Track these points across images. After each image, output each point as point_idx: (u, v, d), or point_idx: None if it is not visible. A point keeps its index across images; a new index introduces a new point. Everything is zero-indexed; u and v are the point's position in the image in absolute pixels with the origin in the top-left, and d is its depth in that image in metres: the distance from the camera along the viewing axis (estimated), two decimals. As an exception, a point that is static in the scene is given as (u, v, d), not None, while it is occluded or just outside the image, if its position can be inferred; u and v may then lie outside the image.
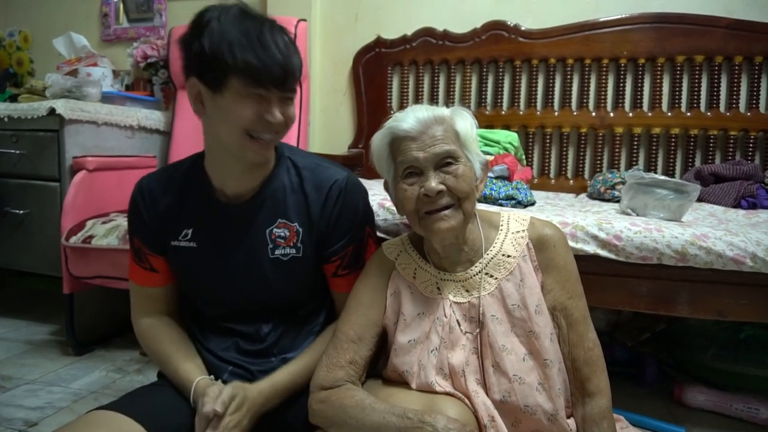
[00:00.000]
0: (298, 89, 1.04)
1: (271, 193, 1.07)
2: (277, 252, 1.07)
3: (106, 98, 2.21)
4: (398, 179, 0.96)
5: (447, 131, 0.94)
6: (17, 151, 1.98)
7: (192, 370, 1.04)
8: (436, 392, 0.92)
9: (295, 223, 1.07)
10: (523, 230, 1.01)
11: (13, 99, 2.12)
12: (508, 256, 0.99)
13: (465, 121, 0.97)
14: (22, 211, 1.99)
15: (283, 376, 1.05)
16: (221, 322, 1.11)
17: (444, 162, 0.93)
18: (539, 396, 0.91)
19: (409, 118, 0.95)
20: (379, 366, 1.05)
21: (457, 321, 0.97)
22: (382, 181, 1.07)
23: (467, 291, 0.99)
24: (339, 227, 1.08)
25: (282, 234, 1.07)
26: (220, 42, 0.90)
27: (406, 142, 0.94)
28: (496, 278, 0.98)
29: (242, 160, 1.00)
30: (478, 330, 0.96)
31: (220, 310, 1.11)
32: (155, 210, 1.09)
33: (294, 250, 1.07)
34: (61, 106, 1.88)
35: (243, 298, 1.09)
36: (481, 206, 1.38)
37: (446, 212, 0.92)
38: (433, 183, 0.91)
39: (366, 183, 1.27)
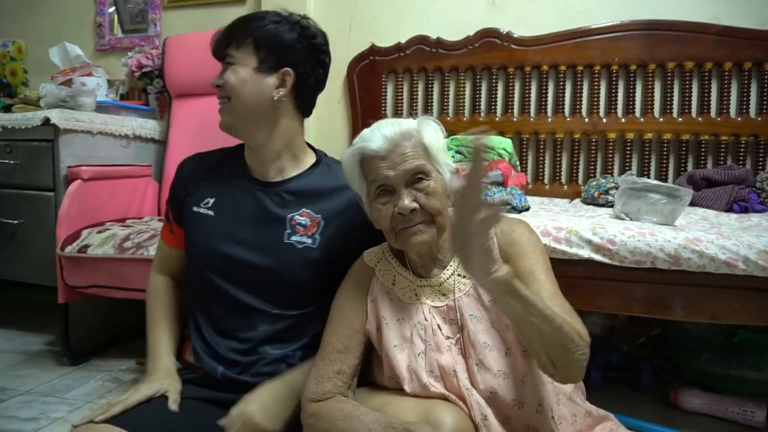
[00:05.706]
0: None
1: (302, 184, 1.14)
2: (293, 238, 1.10)
3: (101, 108, 2.21)
4: (371, 199, 0.97)
5: (415, 147, 0.94)
6: (11, 161, 1.98)
7: (162, 344, 1.14)
8: (431, 394, 0.92)
9: (319, 215, 1.11)
10: None
11: (7, 109, 2.12)
12: None
13: (432, 133, 0.97)
14: (16, 221, 1.99)
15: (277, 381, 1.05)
16: (220, 311, 1.11)
17: (415, 178, 0.94)
18: (525, 388, 0.91)
19: (376, 136, 0.95)
20: (371, 373, 1.05)
21: (438, 325, 0.97)
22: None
23: (443, 295, 0.99)
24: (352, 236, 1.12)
25: (303, 222, 1.11)
26: None
27: (376, 161, 0.94)
28: (469, 277, 0.99)
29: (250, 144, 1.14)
30: (458, 335, 0.96)
31: (223, 287, 1.10)
32: (185, 177, 1.19)
33: (310, 240, 1.11)
34: (56, 116, 1.88)
35: (247, 269, 1.09)
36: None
37: (419, 226, 0.93)
38: (406, 201, 0.92)
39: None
